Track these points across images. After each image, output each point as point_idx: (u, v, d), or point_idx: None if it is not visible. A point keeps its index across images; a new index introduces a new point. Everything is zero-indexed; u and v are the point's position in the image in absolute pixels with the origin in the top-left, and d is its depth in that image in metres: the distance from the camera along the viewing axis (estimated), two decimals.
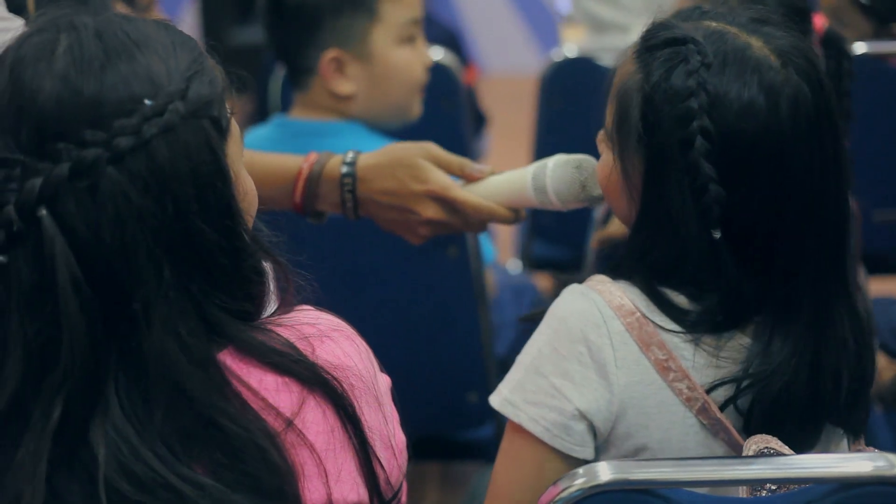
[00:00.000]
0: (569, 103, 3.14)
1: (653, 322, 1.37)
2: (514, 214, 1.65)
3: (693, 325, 1.36)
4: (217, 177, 1.09)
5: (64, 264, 1.02)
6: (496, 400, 1.45)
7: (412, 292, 2.17)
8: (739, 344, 1.38)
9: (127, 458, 1.03)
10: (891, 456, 1.25)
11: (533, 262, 3.31)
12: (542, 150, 3.23)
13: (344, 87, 2.26)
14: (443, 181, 1.62)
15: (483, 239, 2.37)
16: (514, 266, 3.42)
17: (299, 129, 2.27)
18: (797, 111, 1.33)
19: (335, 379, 1.13)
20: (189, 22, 6.69)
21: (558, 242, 3.24)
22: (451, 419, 2.31)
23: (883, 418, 2.39)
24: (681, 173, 1.33)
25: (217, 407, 1.07)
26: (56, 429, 1.03)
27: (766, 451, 1.32)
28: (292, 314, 1.18)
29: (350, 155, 1.66)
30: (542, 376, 1.40)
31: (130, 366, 1.05)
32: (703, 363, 1.37)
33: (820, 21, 2.12)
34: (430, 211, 1.63)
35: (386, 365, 1.25)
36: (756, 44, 1.36)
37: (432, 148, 1.65)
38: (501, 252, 3.90)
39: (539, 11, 6.78)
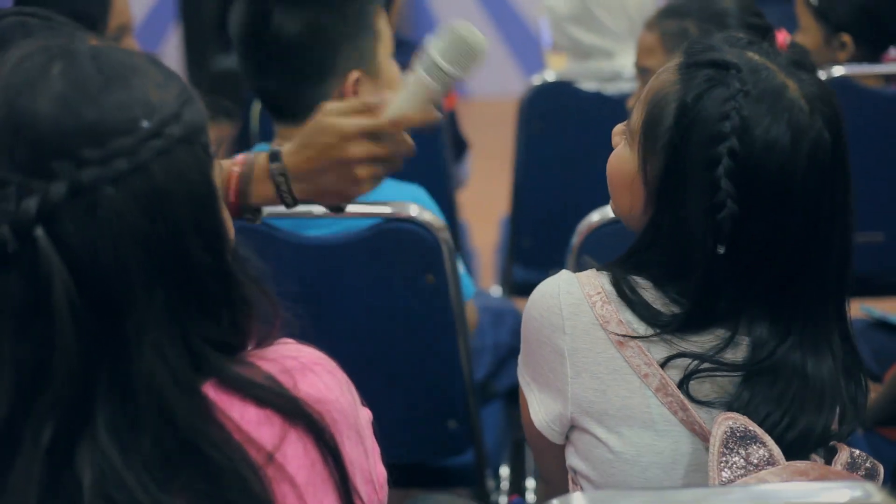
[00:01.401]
0: (548, 126, 3.14)
1: (617, 315, 1.44)
2: (431, 113, 1.68)
3: (663, 327, 1.43)
4: (209, 200, 1.10)
5: (60, 284, 1.01)
6: (519, 374, 1.57)
7: (390, 319, 2.16)
8: (714, 334, 1.43)
9: (110, 484, 1.03)
10: (867, 485, 1.25)
11: (513, 288, 3.31)
12: (522, 172, 3.24)
13: None
14: (352, 121, 1.65)
15: (463, 275, 2.36)
16: (494, 292, 3.41)
17: None
18: (816, 155, 1.40)
19: (317, 413, 1.13)
20: (172, 49, 6.70)
21: (537, 267, 3.23)
22: (432, 446, 2.29)
23: (864, 440, 2.39)
24: (701, 187, 1.39)
25: (202, 433, 1.07)
26: (46, 452, 1.02)
27: (734, 425, 1.35)
28: (273, 347, 1.18)
29: (273, 149, 1.70)
30: (523, 373, 1.56)
31: (118, 389, 1.05)
32: (659, 340, 1.43)
33: (782, 37, 2.13)
34: (356, 149, 1.65)
35: (365, 392, 1.25)
36: (791, 86, 1.41)
37: (327, 105, 1.68)
38: (483, 278, 3.90)
39: (524, 37, 6.80)
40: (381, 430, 1.27)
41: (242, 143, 3.10)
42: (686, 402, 1.41)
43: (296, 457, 1.11)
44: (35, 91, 1.04)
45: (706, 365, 1.41)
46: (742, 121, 1.38)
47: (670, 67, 1.47)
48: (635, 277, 1.45)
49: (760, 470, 1.32)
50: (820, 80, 1.44)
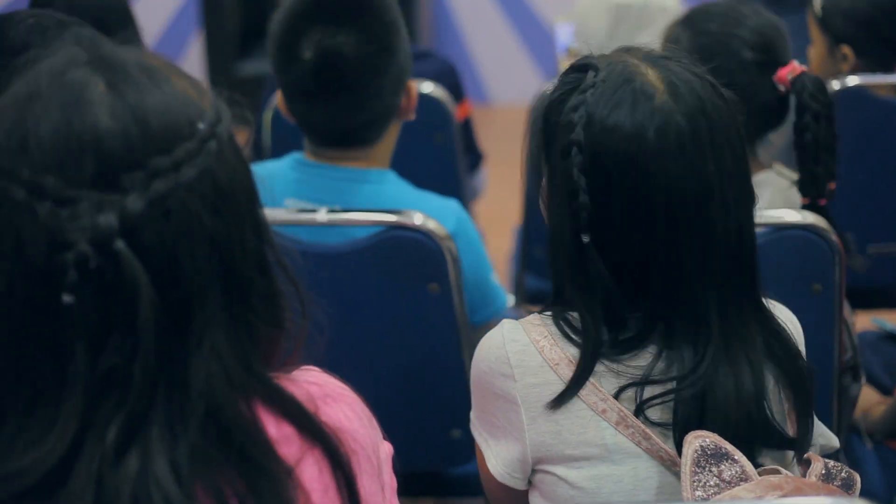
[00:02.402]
0: None
1: (566, 354, 1.44)
2: None
3: (598, 354, 1.43)
4: (255, 192, 1.11)
5: (146, 295, 1.01)
6: (473, 429, 1.58)
7: (393, 328, 2.16)
8: (647, 353, 1.43)
9: (151, 486, 1.02)
10: (857, 500, 1.24)
11: (525, 296, 3.30)
12: (532, 179, 3.22)
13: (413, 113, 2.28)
14: None
15: (499, 289, 2.35)
16: (508, 301, 3.40)
17: (346, 176, 2.24)
18: (666, 138, 1.40)
19: (337, 440, 1.12)
20: (194, 56, 6.73)
21: (549, 277, 3.22)
22: (438, 456, 2.29)
23: (873, 454, 2.37)
24: (559, 181, 1.44)
25: (249, 437, 1.07)
26: (111, 457, 1.02)
27: (703, 444, 1.34)
28: (297, 372, 1.18)
29: None
30: (478, 429, 1.56)
31: (176, 389, 1.04)
32: (606, 371, 1.43)
33: (785, 72, 2.12)
34: None
35: (369, 400, 1.24)
36: (650, 73, 1.43)
37: None
38: None
39: (546, 43, 6.79)
40: (389, 438, 1.27)
41: (255, 151, 3.09)
42: (647, 430, 1.41)
43: (311, 480, 1.10)
44: (92, 105, 1.03)
45: (659, 390, 1.41)
46: (588, 112, 1.41)
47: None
48: (572, 313, 1.46)
49: (734, 486, 1.31)
50: (696, 69, 1.45)
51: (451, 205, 2.27)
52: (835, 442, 1.56)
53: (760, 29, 2.21)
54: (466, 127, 3.34)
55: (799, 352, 1.47)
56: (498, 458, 1.50)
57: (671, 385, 1.40)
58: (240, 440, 1.06)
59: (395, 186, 2.25)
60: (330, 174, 2.24)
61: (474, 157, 3.42)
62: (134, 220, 1.01)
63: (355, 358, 2.13)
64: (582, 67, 1.47)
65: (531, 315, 1.51)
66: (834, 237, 1.99)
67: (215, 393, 1.05)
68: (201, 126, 1.06)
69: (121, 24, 3.03)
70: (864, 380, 2.23)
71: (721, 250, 1.42)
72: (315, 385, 1.17)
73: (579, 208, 1.40)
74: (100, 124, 1.02)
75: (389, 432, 1.28)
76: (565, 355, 1.44)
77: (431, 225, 2.06)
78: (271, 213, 2.08)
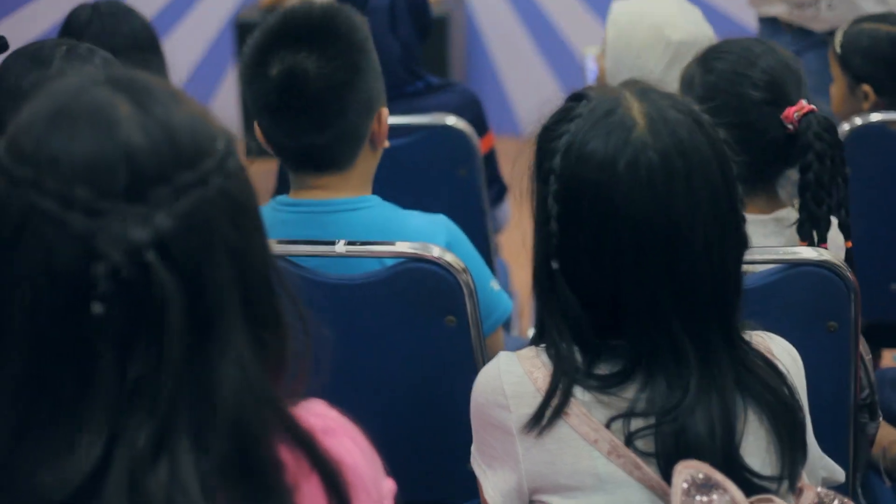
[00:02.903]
0: None
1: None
2: None
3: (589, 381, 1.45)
4: (260, 214, 1.13)
5: (176, 306, 1.02)
6: (472, 461, 1.59)
7: (410, 360, 2.16)
8: (633, 385, 1.44)
9: (177, 495, 1.02)
10: None
11: None
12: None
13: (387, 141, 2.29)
14: None
15: (500, 294, 2.35)
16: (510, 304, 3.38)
17: (312, 209, 2.23)
18: (637, 171, 1.41)
19: (335, 469, 1.12)
20: (230, 84, 6.77)
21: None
22: (452, 488, 2.28)
23: (891, 492, 2.36)
24: (538, 207, 1.48)
25: (266, 449, 1.07)
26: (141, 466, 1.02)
27: (694, 474, 1.34)
28: (301, 404, 1.18)
29: None
30: (477, 460, 1.57)
31: (200, 401, 1.05)
32: (596, 402, 1.44)
33: (793, 111, 2.11)
34: None
35: (385, 433, 1.25)
36: (635, 107, 1.44)
37: None
38: (522, 322, 3.89)
39: (578, 76, 6.80)
40: (401, 471, 1.27)
41: (281, 181, 3.10)
42: (639, 460, 1.42)
43: None
44: (121, 121, 1.04)
45: (642, 423, 1.41)
46: (568, 141, 1.44)
47: None
48: (563, 346, 1.46)
49: None
50: (683, 108, 1.45)
51: (439, 219, 2.28)
52: (839, 475, 1.55)
53: (771, 69, 2.20)
54: (490, 159, 3.33)
55: (785, 386, 1.46)
56: (496, 488, 1.51)
57: (653, 419, 1.41)
58: (257, 452, 1.06)
59: (378, 211, 2.24)
60: (298, 209, 2.24)
61: (498, 190, 3.41)
62: (163, 233, 1.02)
63: (370, 389, 2.14)
64: (577, 97, 1.50)
65: (526, 348, 1.52)
66: (850, 274, 1.99)
67: (239, 402, 1.06)
68: (220, 145, 1.08)
69: (149, 54, 3.07)
70: (881, 417, 2.22)
71: (691, 290, 1.42)
72: (316, 417, 1.17)
73: (549, 235, 1.43)
74: (132, 140, 1.04)
75: (404, 464, 1.28)
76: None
77: (449, 257, 2.06)
78: (289, 247, 2.10)
